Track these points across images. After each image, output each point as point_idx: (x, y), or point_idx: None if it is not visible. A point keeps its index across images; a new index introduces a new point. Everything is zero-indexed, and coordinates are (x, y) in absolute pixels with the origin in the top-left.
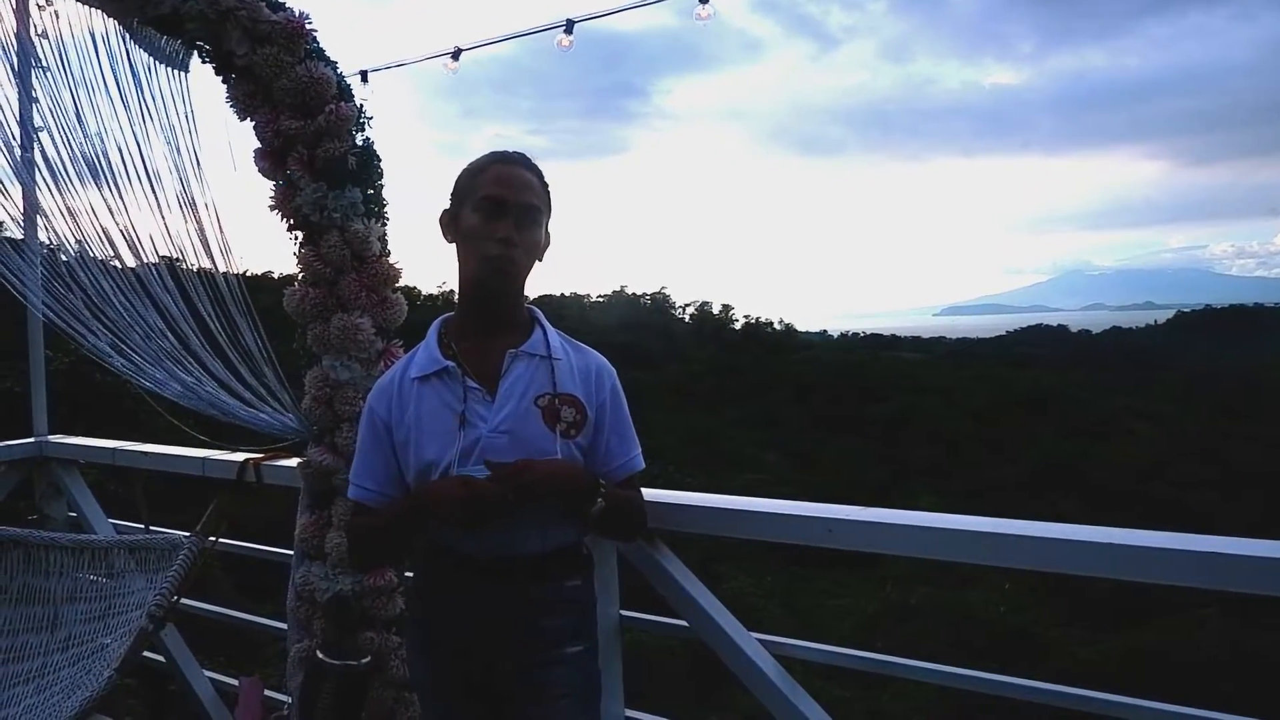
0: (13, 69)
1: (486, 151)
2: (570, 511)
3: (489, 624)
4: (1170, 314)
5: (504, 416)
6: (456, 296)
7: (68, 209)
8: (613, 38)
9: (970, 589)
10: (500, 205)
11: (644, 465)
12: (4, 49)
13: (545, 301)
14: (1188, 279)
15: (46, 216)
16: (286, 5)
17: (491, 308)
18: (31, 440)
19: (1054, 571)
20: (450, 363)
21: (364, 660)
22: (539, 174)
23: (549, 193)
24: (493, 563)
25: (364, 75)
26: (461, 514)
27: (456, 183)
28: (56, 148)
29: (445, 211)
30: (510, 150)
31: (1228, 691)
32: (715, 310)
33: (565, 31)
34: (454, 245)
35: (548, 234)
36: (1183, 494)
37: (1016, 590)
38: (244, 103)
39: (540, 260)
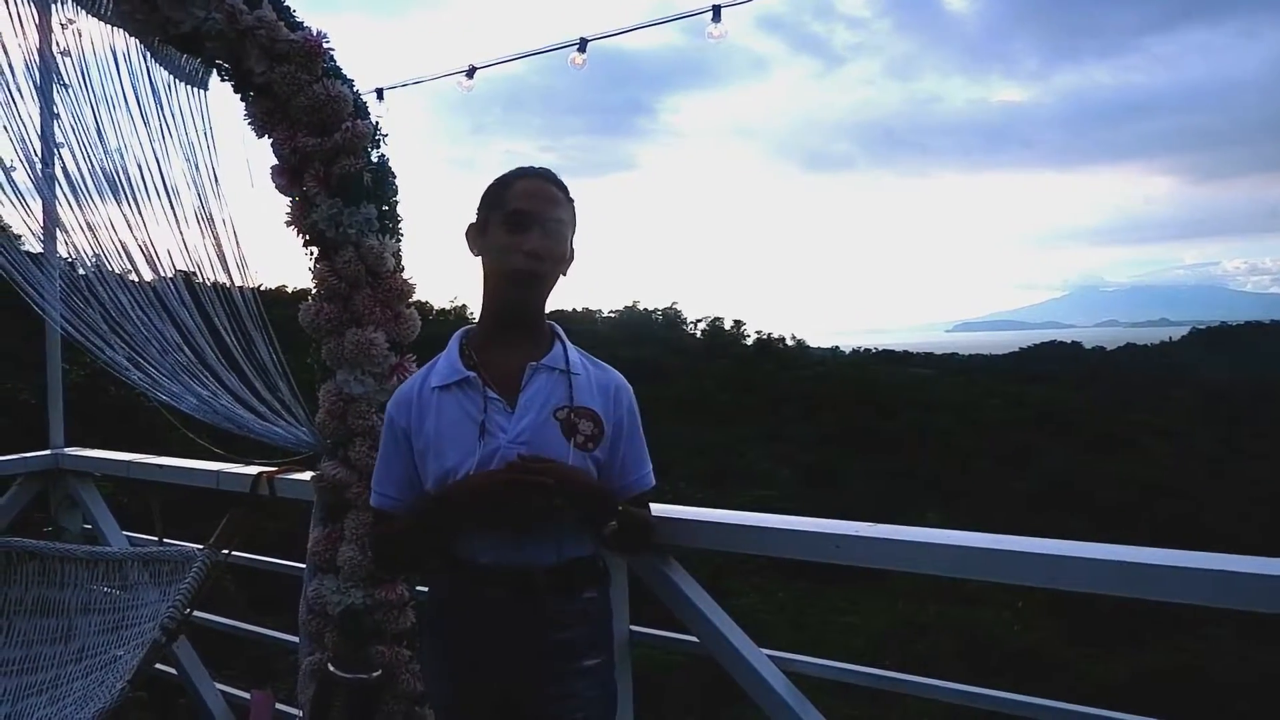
0: (35, 85)
1: (511, 168)
2: (585, 524)
3: (507, 636)
4: (1185, 330)
5: (523, 427)
6: (480, 307)
7: (87, 223)
8: (620, 55)
9: (982, 607)
10: (527, 219)
11: (654, 483)
12: (27, 66)
13: (556, 317)
14: (1202, 295)
15: (66, 231)
16: (304, 24)
17: (515, 320)
18: (48, 453)
19: (1065, 589)
20: (471, 373)
21: (375, 674)
22: (565, 189)
23: (574, 208)
24: (510, 575)
25: (379, 93)
26: (504, 494)
27: (483, 196)
28: (77, 163)
29: (471, 225)
30: (537, 165)
31: (1244, 711)
32: (727, 326)
33: (579, 50)
34: (479, 258)
35: (572, 249)
36: (1197, 511)
37: (1028, 608)
38: (262, 120)
39: (565, 275)
